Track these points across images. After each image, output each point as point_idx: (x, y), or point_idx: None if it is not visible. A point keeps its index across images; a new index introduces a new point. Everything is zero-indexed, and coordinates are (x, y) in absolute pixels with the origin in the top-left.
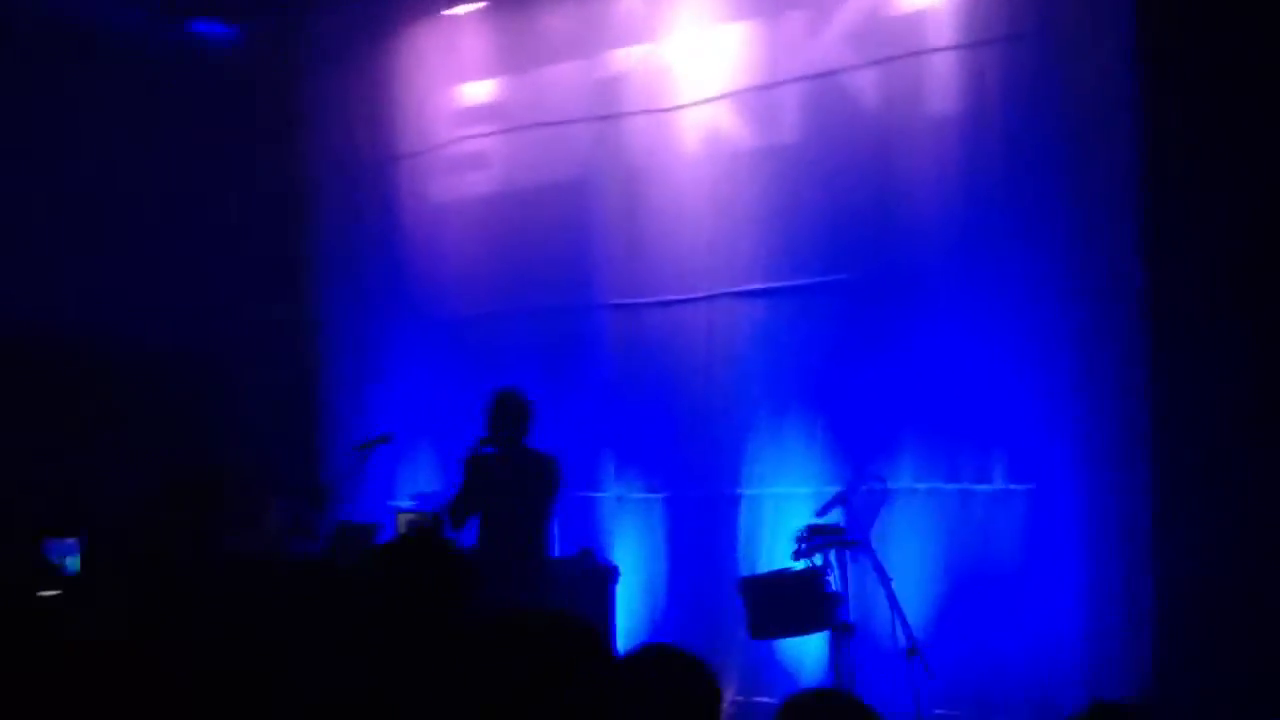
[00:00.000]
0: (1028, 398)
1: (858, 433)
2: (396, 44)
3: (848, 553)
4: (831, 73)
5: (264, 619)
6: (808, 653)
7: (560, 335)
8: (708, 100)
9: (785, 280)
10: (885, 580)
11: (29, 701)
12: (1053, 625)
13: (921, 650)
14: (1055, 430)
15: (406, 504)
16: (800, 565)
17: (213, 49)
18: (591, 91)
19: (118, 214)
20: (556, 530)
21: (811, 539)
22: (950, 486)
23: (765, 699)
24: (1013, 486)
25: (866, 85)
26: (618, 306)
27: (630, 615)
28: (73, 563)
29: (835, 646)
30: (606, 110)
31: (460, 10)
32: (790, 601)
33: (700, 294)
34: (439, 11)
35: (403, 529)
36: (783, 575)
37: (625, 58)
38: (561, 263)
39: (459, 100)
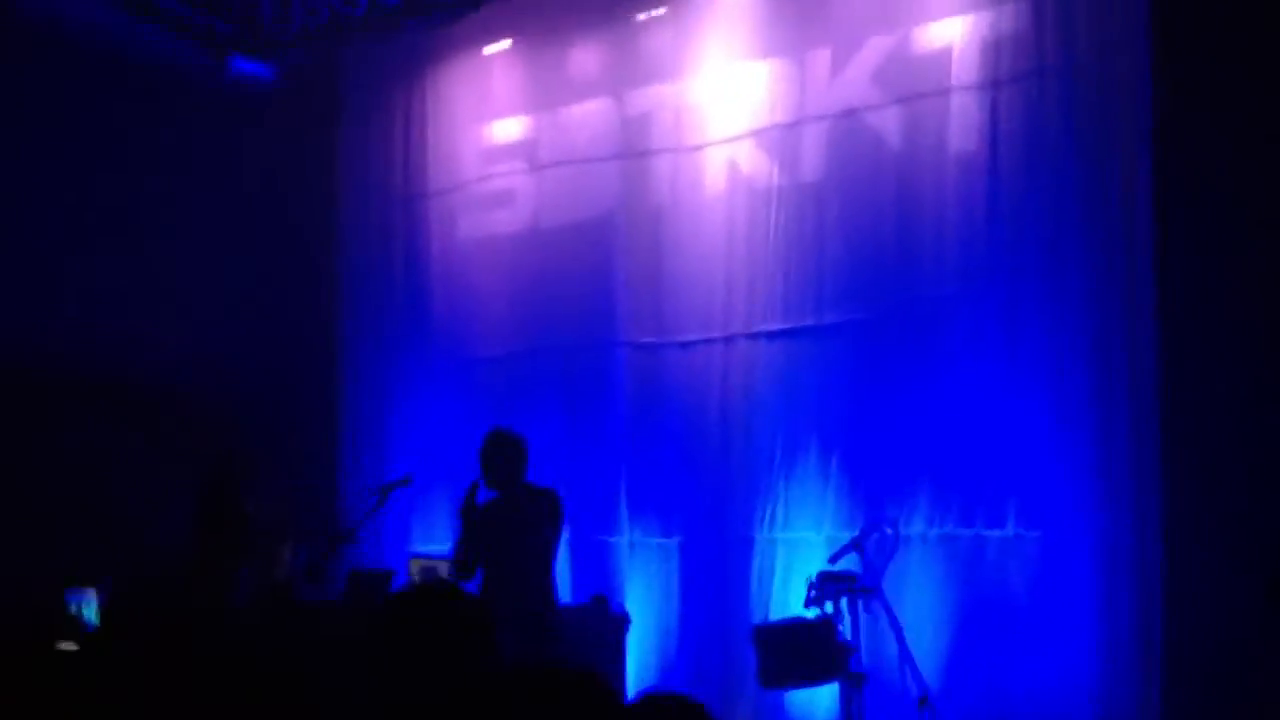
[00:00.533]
0: (1041, 442)
1: (872, 477)
2: (428, 82)
3: (860, 600)
4: (854, 111)
5: (274, 668)
6: (819, 702)
7: (581, 374)
8: (732, 139)
9: (804, 320)
10: (897, 628)
11: None
12: (1064, 673)
13: (932, 700)
14: (1069, 475)
15: (422, 550)
16: (812, 613)
17: (249, 85)
18: (618, 130)
19: (148, 249)
20: (568, 570)
21: (824, 586)
22: (964, 532)
23: None
24: (1025, 532)
25: (888, 123)
26: (638, 346)
27: (642, 661)
28: (90, 613)
29: (846, 696)
30: (633, 148)
31: (491, 49)
32: (802, 651)
33: (719, 334)
34: (470, 50)
35: (415, 577)
36: (795, 624)
37: (652, 96)
38: (584, 301)
39: (488, 138)
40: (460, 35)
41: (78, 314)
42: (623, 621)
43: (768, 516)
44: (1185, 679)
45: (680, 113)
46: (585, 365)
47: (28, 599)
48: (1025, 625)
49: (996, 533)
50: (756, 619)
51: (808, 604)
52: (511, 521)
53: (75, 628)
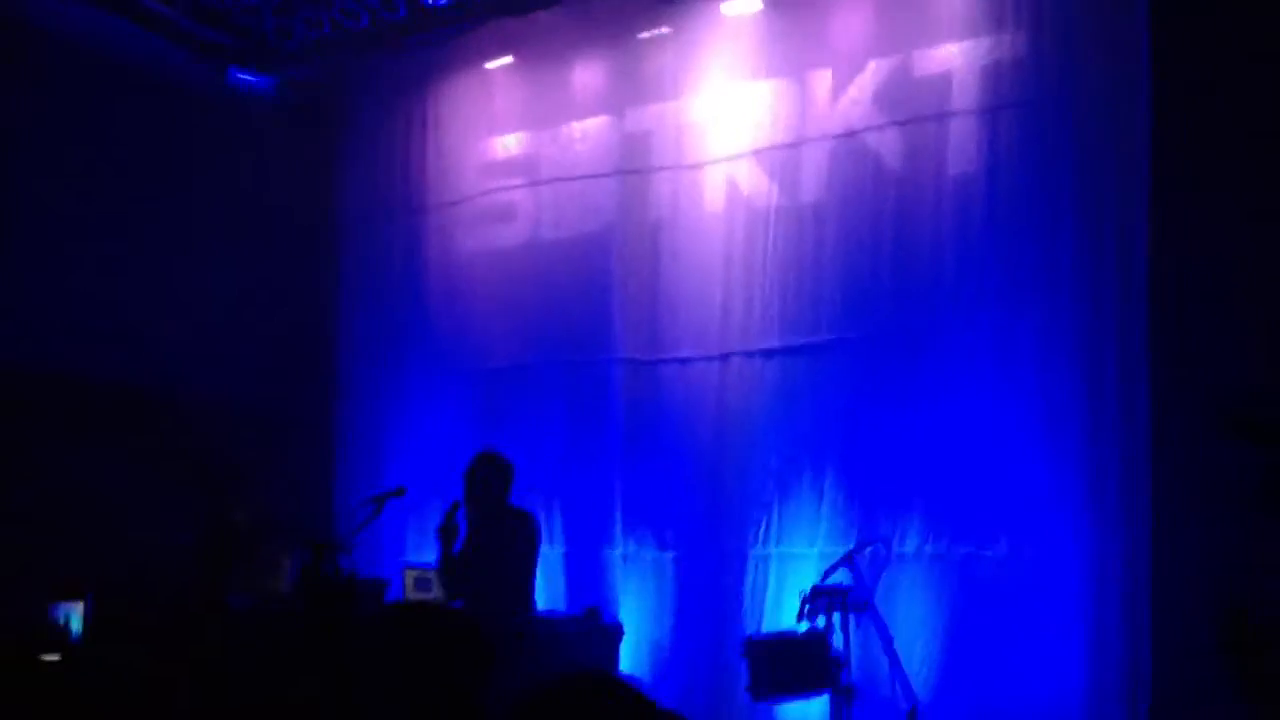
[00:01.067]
0: (1034, 459)
1: (866, 494)
2: (429, 97)
3: (852, 615)
4: (854, 132)
5: (267, 673)
6: (810, 715)
7: (578, 389)
8: (732, 157)
9: (800, 339)
10: (888, 642)
11: None
12: (1053, 691)
13: (921, 713)
14: (1060, 491)
15: (416, 560)
16: (804, 626)
17: (250, 98)
18: (619, 146)
19: (142, 258)
20: (562, 582)
21: (816, 600)
22: (957, 550)
23: None
24: (1017, 552)
25: (888, 145)
26: (634, 362)
27: (635, 673)
28: (76, 625)
29: (837, 709)
30: (633, 165)
31: (493, 65)
32: (793, 664)
33: (716, 352)
34: (472, 66)
35: (409, 586)
36: (786, 637)
37: (653, 114)
38: (582, 316)
39: (489, 153)
40: (462, 51)
41: (75, 323)
42: (616, 633)
43: (761, 531)
44: (1172, 700)
45: (680, 131)
46: (582, 380)
47: (14, 610)
48: (1016, 643)
49: (989, 552)
50: (749, 632)
51: (800, 618)
52: (490, 542)
53: (61, 639)
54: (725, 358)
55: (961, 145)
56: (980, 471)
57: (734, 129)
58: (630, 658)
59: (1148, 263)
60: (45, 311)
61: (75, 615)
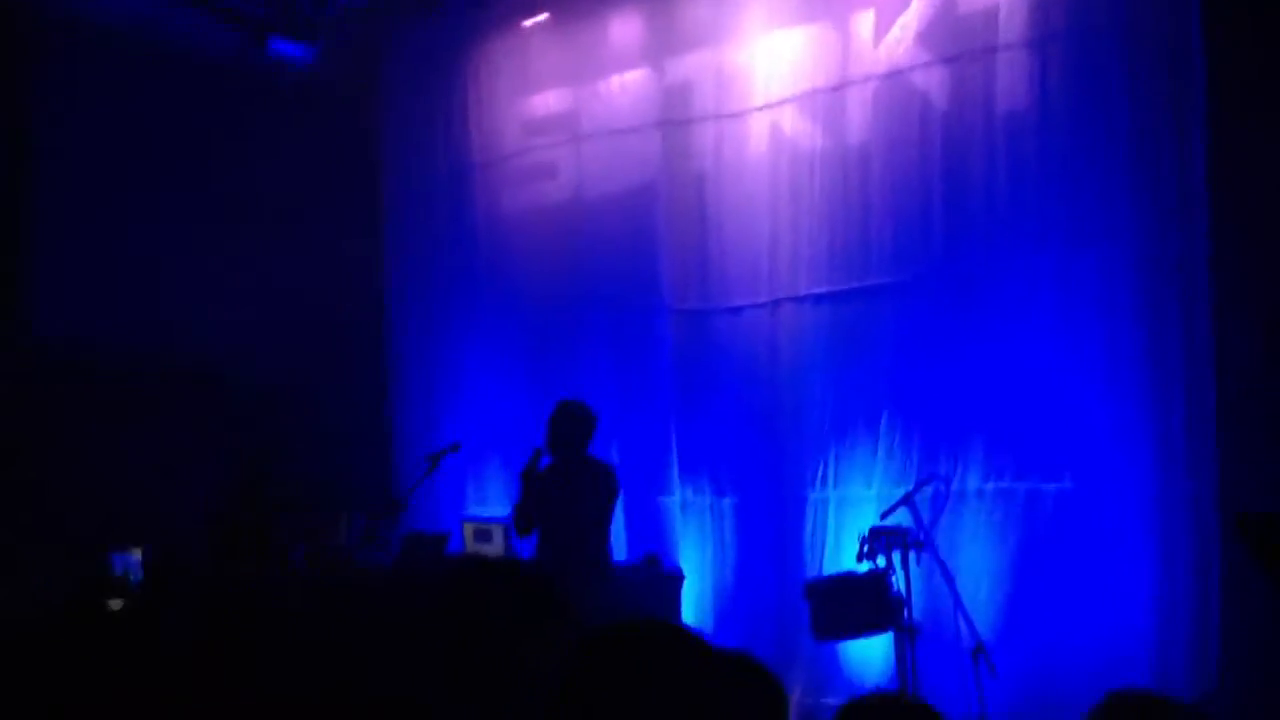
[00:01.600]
0: (1096, 397)
1: (925, 434)
2: (468, 58)
3: (912, 553)
4: (899, 72)
5: (336, 631)
6: (873, 654)
7: (629, 342)
8: (775, 104)
9: (851, 283)
10: (949, 580)
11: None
12: (1119, 624)
13: (987, 649)
14: (1124, 429)
15: (475, 513)
16: (864, 567)
17: (291, 68)
18: (660, 98)
19: (191, 228)
20: (623, 535)
21: (875, 540)
22: (1017, 486)
23: (832, 700)
24: (1081, 486)
25: (934, 84)
26: (685, 312)
27: (698, 619)
28: (136, 574)
29: (900, 648)
30: (674, 116)
31: (530, 22)
32: (855, 603)
33: (766, 299)
34: (509, 24)
35: (469, 539)
36: (847, 577)
37: (692, 63)
38: (630, 270)
39: (530, 111)
40: (499, 10)
41: (124, 298)
42: (676, 579)
43: (819, 475)
44: (1242, 632)
45: (721, 79)
46: (633, 333)
47: (76, 564)
48: (1081, 578)
49: (1052, 486)
50: (810, 575)
51: (860, 558)
52: (568, 491)
53: (122, 587)
54: (775, 304)
55: (1011, 80)
56: (1041, 408)
57: (775, 74)
58: (692, 604)
59: (1207, 193)
60: (93, 290)
61: (134, 564)
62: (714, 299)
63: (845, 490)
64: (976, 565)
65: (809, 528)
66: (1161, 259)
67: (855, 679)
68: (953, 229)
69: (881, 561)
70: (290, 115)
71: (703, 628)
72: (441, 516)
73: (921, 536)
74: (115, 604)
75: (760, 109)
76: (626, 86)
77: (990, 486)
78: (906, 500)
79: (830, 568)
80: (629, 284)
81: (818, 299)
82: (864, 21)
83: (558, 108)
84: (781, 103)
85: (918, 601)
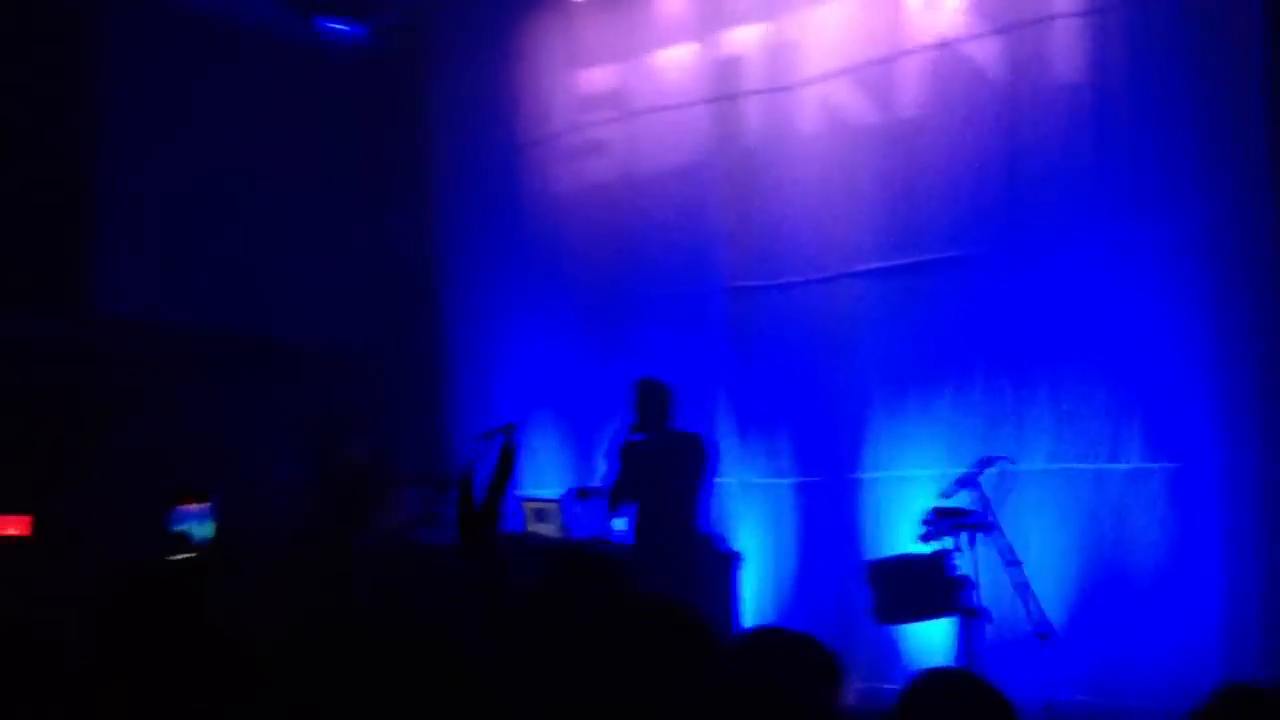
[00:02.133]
0: (1164, 374)
1: (986, 412)
2: (518, 35)
3: (977, 535)
4: (952, 42)
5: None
6: (936, 638)
7: (682, 320)
8: (826, 77)
9: (907, 258)
10: (1015, 563)
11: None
12: (1189, 608)
13: (1053, 635)
14: (1193, 407)
15: (532, 493)
16: (927, 549)
17: (340, 46)
18: (709, 73)
19: (245, 207)
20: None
21: (938, 521)
22: (1084, 466)
23: (893, 685)
24: (1149, 465)
25: (988, 54)
26: (738, 290)
27: (758, 601)
28: (203, 530)
29: (963, 632)
30: (724, 91)
31: None
32: (916, 586)
33: (819, 275)
34: (557, 1)
35: (529, 519)
36: (909, 559)
37: (742, 37)
38: (682, 246)
39: (579, 87)
40: None
41: (183, 274)
42: (734, 559)
43: (877, 455)
44: None
45: (771, 53)
46: (686, 311)
47: (142, 524)
48: (1149, 560)
49: (1119, 466)
50: (870, 557)
51: (922, 539)
52: (664, 463)
53: (186, 543)
54: (829, 281)
55: (1067, 49)
56: (1105, 385)
57: (826, 47)
58: (753, 585)
59: (1270, 163)
60: (157, 263)
61: (200, 521)
62: (767, 276)
63: (905, 470)
64: (1042, 548)
65: (869, 508)
66: (1226, 231)
67: (917, 664)
68: (1009, 202)
69: (948, 543)
70: (343, 93)
71: (763, 610)
72: None
73: (988, 518)
74: (180, 558)
75: (811, 82)
76: (676, 62)
77: (1056, 467)
78: (969, 481)
79: (890, 550)
80: (681, 261)
81: (871, 275)
82: None
83: (607, 84)
84: (832, 75)
85: (982, 585)
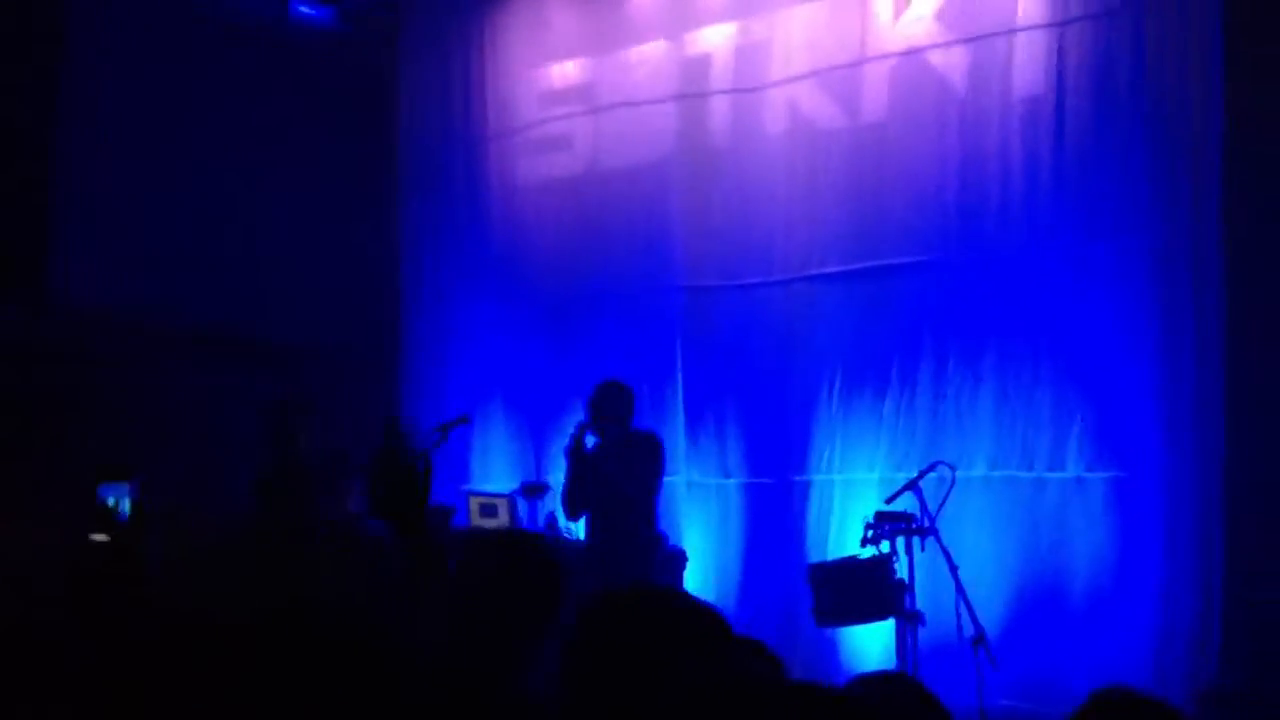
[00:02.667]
0: (1106, 385)
1: (931, 419)
2: (486, 26)
3: (916, 540)
4: (917, 50)
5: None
6: (875, 641)
7: (639, 316)
8: (793, 79)
9: (864, 262)
10: (953, 568)
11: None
12: (1124, 617)
13: (988, 640)
14: (1132, 419)
15: (480, 488)
16: (869, 552)
17: (311, 30)
18: (677, 71)
19: (208, 197)
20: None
21: (880, 526)
22: (1024, 474)
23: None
24: (1087, 475)
25: (952, 64)
26: (696, 288)
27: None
28: (125, 506)
29: (901, 635)
30: (691, 90)
31: None
32: (857, 589)
33: (778, 277)
34: None
35: (474, 513)
36: (850, 563)
37: (711, 37)
38: (643, 244)
39: (546, 81)
40: None
41: (144, 261)
42: (680, 559)
43: (825, 458)
44: (1244, 624)
45: (739, 53)
46: (643, 308)
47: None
48: (1087, 569)
49: (1058, 475)
50: (813, 559)
51: (864, 543)
52: (618, 465)
53: (108, 521)
54: (788, 283)
55: (1029, 62)
56: (1049, 396)
57: (794, 49)
58: (696, 584)
59: (1222, 180)
60: (118, 251)
61: (124, 498)
62: (726, 275)
63: (851, 474)
64: (980, 554)
65: (814, 511)
66: (1175, 245)
67: (856, 665)
68: (967, 211)
69: (886, 547)
70: (312, 77)
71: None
72: (445, 491)
73: (926, 523)
74: (100, 537)
75: (778, 84)
76: (644, 59)
77: (997, 474)
78: (912, 485)
79: (834, 551)
80: (641, 258)
81: (829, 278)
82: None
83: (575, 78)
84: (799, 78)
85: (921, 588)
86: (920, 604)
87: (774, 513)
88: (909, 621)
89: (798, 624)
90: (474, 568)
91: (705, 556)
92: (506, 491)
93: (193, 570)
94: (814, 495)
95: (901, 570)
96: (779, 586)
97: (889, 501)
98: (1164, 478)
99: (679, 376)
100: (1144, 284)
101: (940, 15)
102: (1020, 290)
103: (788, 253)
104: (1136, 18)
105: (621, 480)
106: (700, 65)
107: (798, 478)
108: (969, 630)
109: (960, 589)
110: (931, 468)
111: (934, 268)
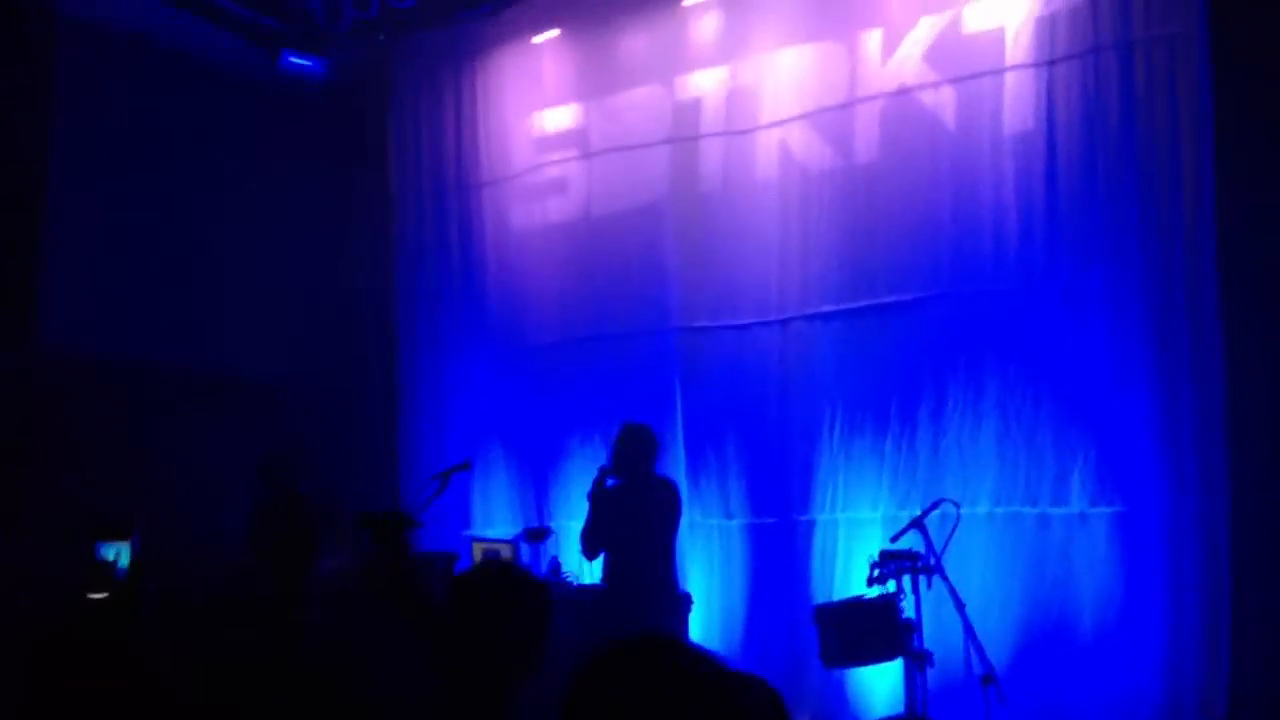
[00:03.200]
0: (1107, 420)
1: (933, 456)
2: (478, 73)
3: (922, 578)
4: (907, 91)
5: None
6: (883, 682)
7: (637, 359)
8: (784, 121)
9: (860, 301)
10: (960, 606)
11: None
12: (1130, 653)
13: (997, 678)
14: (1135, 453)
15: (483, 534)
16: (874, 592)
17: (302, 80)
18: (669, 115)
19: (201, 242)
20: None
21: (885, 565)
22: (1028, 510)
23: None
24: (1092, 510)
25: (942, 103)
26: (693, 330)
27: (706, 642)
28: (124, 563)
29: (910, 675)
30: (683, 133)
31: (540, 38)
32: (864, 630)
33: (774, 317)
34: (519, 40)
35: (478, 559)
36: (856, 603)
37: (702, 81)
38: (638, 287)
39: (539, 127)
40: (509, 25)
41: (136, 307)
42: (685, 602)
43: (828, 497)
44: (1253, 658)
45: (731, 97)
46: (641, 350)
47: (63, 555)
48: (1092, 605)
49: (1062, 510)
50: (819, 599)
51: (870, 583)
52: (638, 511)
53: (107, 578)
54: (784, 323)
55: (1018, 100)
56: (1050, 430)
57: (784, 92)
58: (700, 626)
59: (1215, 212)
60: (108, 298)
61: (123, 554)
62: (722, 317)
63: (855, 513)
64: (986, 591)
65: (818, 551)
66: (1170, 278)
67: (865, 707)
68: (961, 248)
69: (892, 586)
70: (303, 126)
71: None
72: (448, 537)
73: (932, 561)
74: (98, 595)
75: (769, 126)
76: (636, 103)
77: (1001, 511)
78: (917, 524)
79: (840, 591)
80: (637, 301)
81: (826, 317)
82: (872, 40)
83: (567, 124)
84: (790, 120)
85: (927, 627)
86: (928, 643)
87: (778, 553)
88: (917, 661)
89: (805, 665)
90: (465, 593)
91: (710, 598)
92: (509, 536)
93: (188, 626)
94: (818, 535)
95: (908, 609)
96: (784, 627)
97: (894, 540)
98: (1168, 511)
99: (679, 418)
100: (1140, 316)
101: (929, 56)
102: (1017, 325)
103: (784, 292)
104: (1125, 55)
105: (642, 524)
106: (692, 109)
107: (801, 517)
108: (978, 668)
109: (968, 627)
110: (936, 505)
111: (929, 304)
